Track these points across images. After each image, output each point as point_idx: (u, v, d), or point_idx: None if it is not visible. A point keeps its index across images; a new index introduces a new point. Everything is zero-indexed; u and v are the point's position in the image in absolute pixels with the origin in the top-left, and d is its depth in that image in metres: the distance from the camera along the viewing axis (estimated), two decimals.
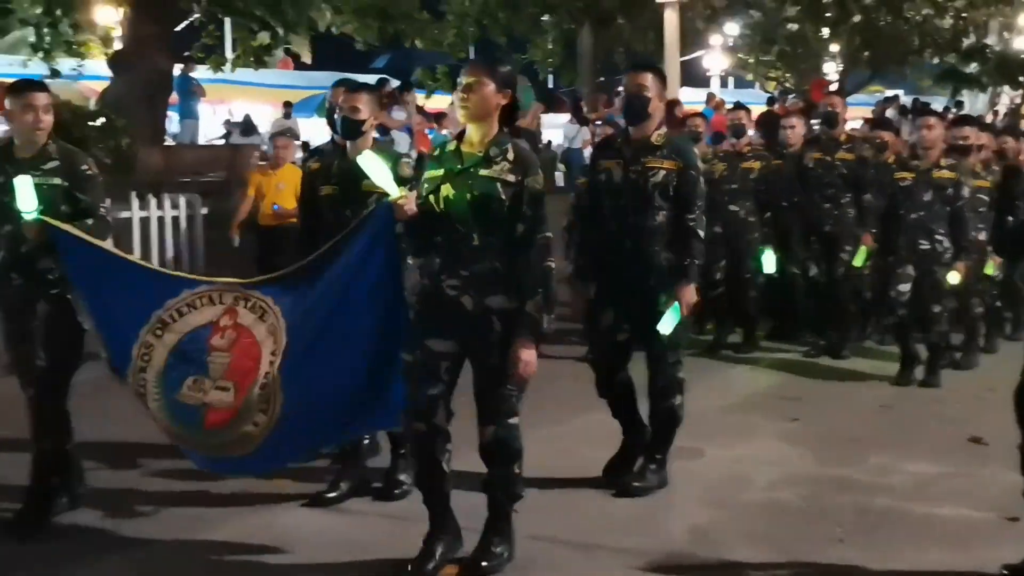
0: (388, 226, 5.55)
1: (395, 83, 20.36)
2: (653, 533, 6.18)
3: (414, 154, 18.57)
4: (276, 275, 6.10)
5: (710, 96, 26.61)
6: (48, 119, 6.26)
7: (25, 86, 6.33)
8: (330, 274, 5.66)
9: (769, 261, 11.08)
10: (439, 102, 26.87)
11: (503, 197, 5.35)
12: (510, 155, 5.42)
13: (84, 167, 6.32)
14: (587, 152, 18.15)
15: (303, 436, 5.75)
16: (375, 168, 5.54)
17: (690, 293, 6.70)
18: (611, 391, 7.07)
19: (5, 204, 6.05)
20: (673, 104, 21.62)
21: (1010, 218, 5.77)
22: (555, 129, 26.00)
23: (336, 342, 5.60)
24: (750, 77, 38.76)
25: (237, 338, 5.65)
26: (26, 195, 5.94)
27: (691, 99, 27.32)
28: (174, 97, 19.70)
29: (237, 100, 28.64)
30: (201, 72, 22.81)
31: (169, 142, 19.86)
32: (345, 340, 5.59)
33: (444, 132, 19.80)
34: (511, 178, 5.37)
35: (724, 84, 42.19)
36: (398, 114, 18.65)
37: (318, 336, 5.62)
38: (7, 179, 6.05)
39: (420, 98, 23.59)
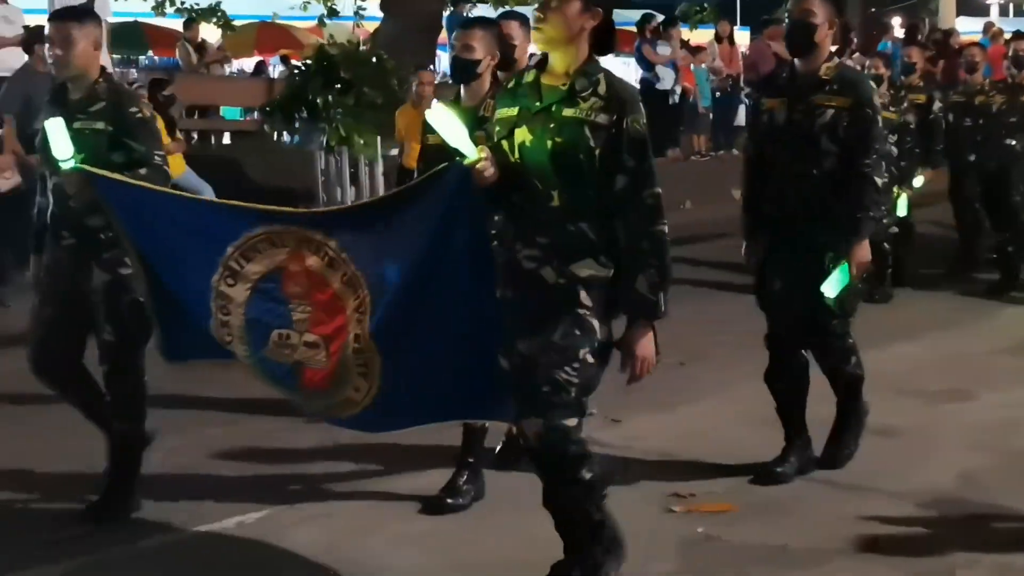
0: (467, 194, 4.47)
1: (660, 17, 20.19)
2: (922, 477, 6.07)
3: (678, 90, 18.51)
4: (333, 212, 5.55)
5: (988, 25, 25.55)
6: (80, 53, 5.54)
7: (54, 15, 5.75)
8: (407, 232, 4.73)
9: None
10: (703, 36, 26.58)
11: (592, 144, 4.32)
12: (602, 89, 4.37)
13: (133, 109, 5.62)
14: None
15: (409, 409, 5.01)
16: (446, 123, 4.42)
17: (862, 251, 5.87)
18: (784, 377, 6.16)
19: (48, 152, 5.39)
20: (948, 34, 21.02)
21: None
22: None
23: (428, 317, 4.70)
24: None
25: (312, 287, 4.95)
26: (60, 141, 5.27)
27: (968, 29, 26.35)
28: (444, 36, 20.01)
29: None
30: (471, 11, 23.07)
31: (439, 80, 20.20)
32: (437, 316, 4.69)
33: (703, 66, 19.58)
34: (603, 119, 4.33)
35: (1004, 13, 40.44)
36: (663, 49, 18.53)
37: (407, 303, 4.74)
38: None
39: (685, 32, 23.36)
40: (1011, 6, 41.56)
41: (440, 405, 4.91)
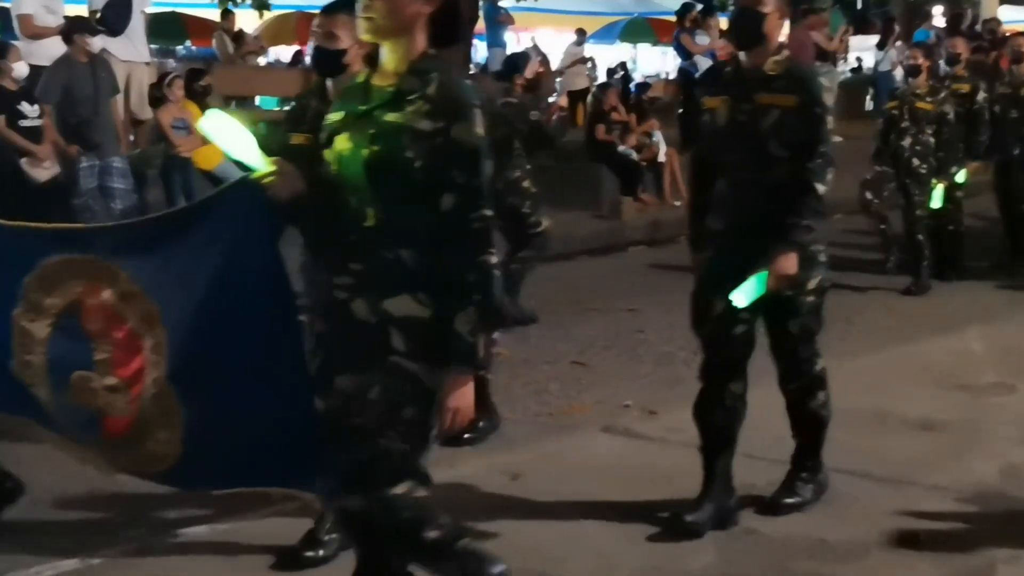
0: (260, 214, 3.81)
1: (699, 7, 20.08)
2: (965, 470, 6.01)
3: None
4: (115, 229, 4.83)
5: None
6: None
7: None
8: (195, 259, 4.07)
9: None
10: None
11: (411, 155, 3.60)
12: (431, 90, 3.63)
13: None
14: (898, 74, 17.54)
15: (219, 468, 4.29)
16: (224, 131, 3.77)
17: (787, 262, 5.04)
18: (716, 411, 5.41)
19: None
20: (991, 23, 20.81)
21: None
22: (865, 51, 25.27)
23: (223, 360, 4.04)
24: None
25: (109, 324, 4.30)
26: None
27: (1011, 18, 26.09)
28: (481, 26, 19.97)
29: (542, 28, 28.84)
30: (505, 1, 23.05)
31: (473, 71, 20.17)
32: (233, 359, 4.02)
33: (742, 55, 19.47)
34: (426, 125, 3.59)
35: None
36: (701, 39, 18.42)
37: (200, 343, 4.06)
38: None
39: (722, 22, 23.24)
40: None
41: (251, 466, 4.15)
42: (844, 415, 6.79)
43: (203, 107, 11.75)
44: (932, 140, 10.30)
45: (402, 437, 3.65)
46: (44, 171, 10.36)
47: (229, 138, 3.75)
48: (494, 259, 3.62)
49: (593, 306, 9.92)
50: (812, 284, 5.23)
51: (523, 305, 8.92)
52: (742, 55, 5.32)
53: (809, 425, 5.54)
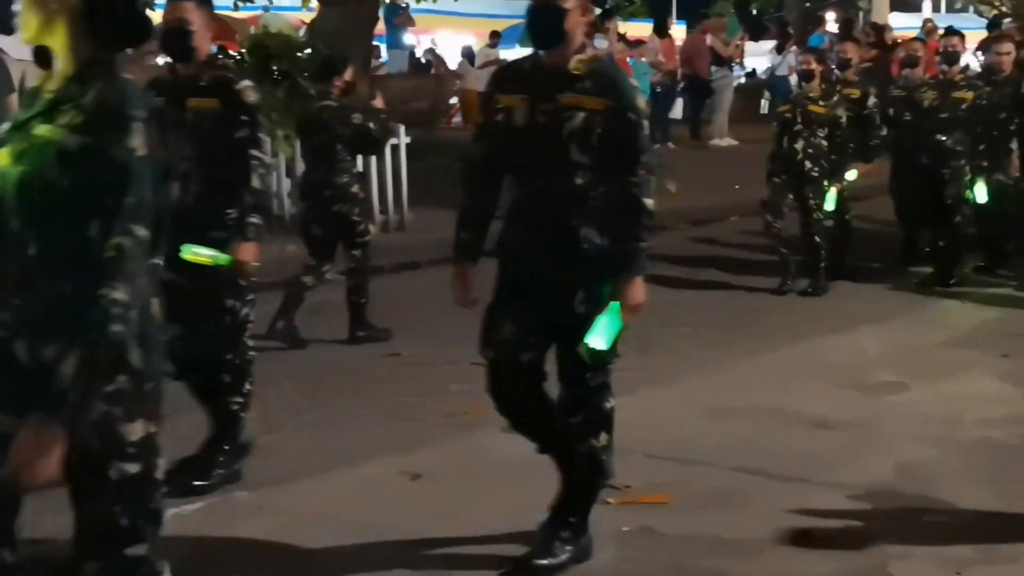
0: None
1: (597, 11, 20.23)
2: (859, 468, 6.09)
3: None
4: None
5: (925, 21, 25.79)
6: None
7: None
8: None
9: (980, 192, 10.68)
10: (638, 29, 26.67)
11: (57, 174, 3.06)
12: (88, 99, 3.09)
13: None
14: (793, 79, 17.78)
15: None
16: None
17: (636, 290, 4.70)
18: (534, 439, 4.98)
19: None
20: (881, 29, 21.17)
21: None
22: (760, 56, 25.59)
23: None
24: (959, 5, 37.46)
25: None
26: None
27: (901, 24, 26.58)
28: (381, 27, 19.94)
29: (443, 30, 28.85)
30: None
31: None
32: None
33: (643, 60, 19.63)
34: (74, 141, 3.06)
35: (936, 8, 40.84)
36: (600, 42, 18.52)
37: None
38: None
39: (619, 25, 23.44)
40: (943, 2, 41.97)
41: None
42: (742, 412, 6.93)
43: None
44: (825, 143, 10.47)
45: (129, 505, 3.17)
46: None
47: None
48: (118, 294, 2.97)
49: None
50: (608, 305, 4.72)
51: (373, 324, 8.82)
52: (541, 53, 4.83)
53: (585, 471, 4.90)
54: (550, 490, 5.33)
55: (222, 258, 5.61)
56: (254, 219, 5.77)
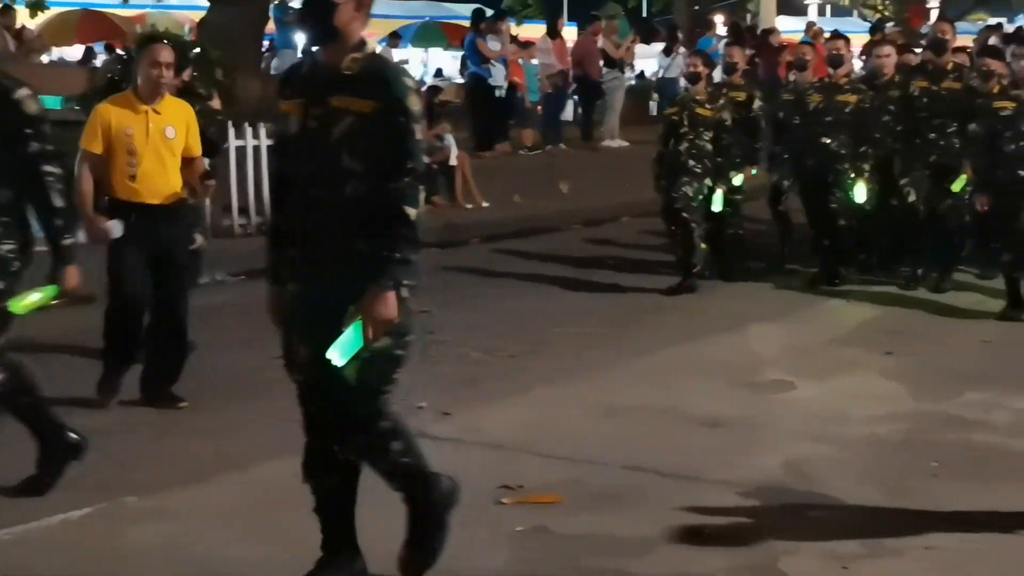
0: None
1: (490, 12, 20.28)
2: (749, 466, 6.17)
3: (505, 85, 18.57)
4: None
5: (809, 25, 26.20)
6: None
7: None
8: None
9: (860, 192, 10.85)
10: (531, 31, 26.76)
11: None
12: None
13: None
14: (682, 81, 17.97)
15: None
16: None
17: (384, 305, 4.25)
18: (328, 472, 4.63)
19: None
20: (768, 33, 21.48)
21: None
22: (649, 59, 25.79)
23: None
24: (846, 3, 38.11)
25: None
26: None
27: (788, 28, 26.99)
28: (271, 27, 19.78)
29: None
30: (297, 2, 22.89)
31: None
32: None
33: (533, 62, 19.69)
34: None
35: (822, 12, 41.51)
36: (493, 44, 18.58)
37: None
38: None
39: (513, 27, 23.51)
40: (828, 7, 42.66)
41: None
42: (634, 412, 6.99)
43: None
44: (709, 145, 10.62)
45: None
46: None
47: None
48: None
49: None
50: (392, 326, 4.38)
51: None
52: (317, 51, 4.58)
53: (403, 481, 4.63)
54: None
55: (48, 292, 5.38)
56: (68, 240, 5.51)
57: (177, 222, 7.14)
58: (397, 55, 23.96)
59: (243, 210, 12.87)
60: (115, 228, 6.87)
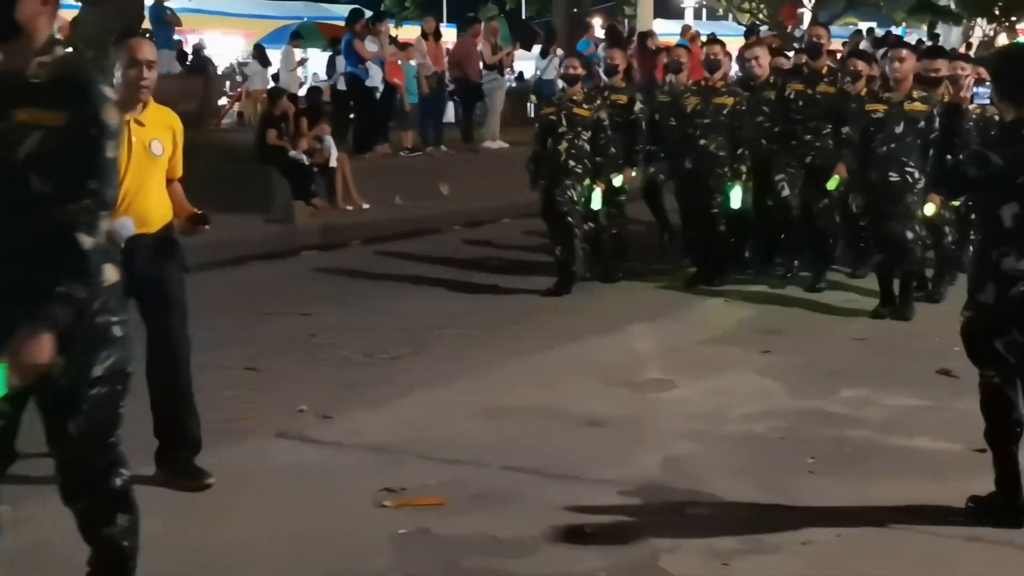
0: None
1: (369, 13, 20.18)
2: (629, 465, 6.22)
3: (382, 86, 18.51)
4: None
5: (685, 28, 26.50)
6: None
7: None
8: None
9: (736, 196, 11.01)
10: (410, 32, 26.74)
11: None
12: None
13: None
14: (559, 83, 18.08)
15: None
16: None
17: (33, 348, 3.61)
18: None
19: None
20: (646, 36, 21.67)
21: (949, 156, 5.78)
22: (529, 60, 25.92)
23: None
24: (720, 12, 38.64)
25: None
26: None
27: (665, 31, 27.30)
28: (147, 27, 19.49)
29: (210, 30, 28.44)
30: (172, 2, 22.61)
31: None
32: None
33: (412, 63, 19.67)
34: None
35: (698, 16, 42.07)
36: (371, 45, 18.50)
37: None
38: None
39: (392, 28, 23.45)
40: (704, 10, 43.23)
41: None
42: (515, 412, 7.02)
43: None
44: (587, 145, 10.70)
45: None
46: None
47: None
48: None
49: (266, 310, 9.83)
50: (100, 370, 3.87)
51: None
52: None
53: (108, 561, 4.14)
54: (327, 495, 5.34)
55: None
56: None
57: (167, 251, 5.92)
58: (300, 54, 23.77)
59: None
60: (125, 227, 5.52)
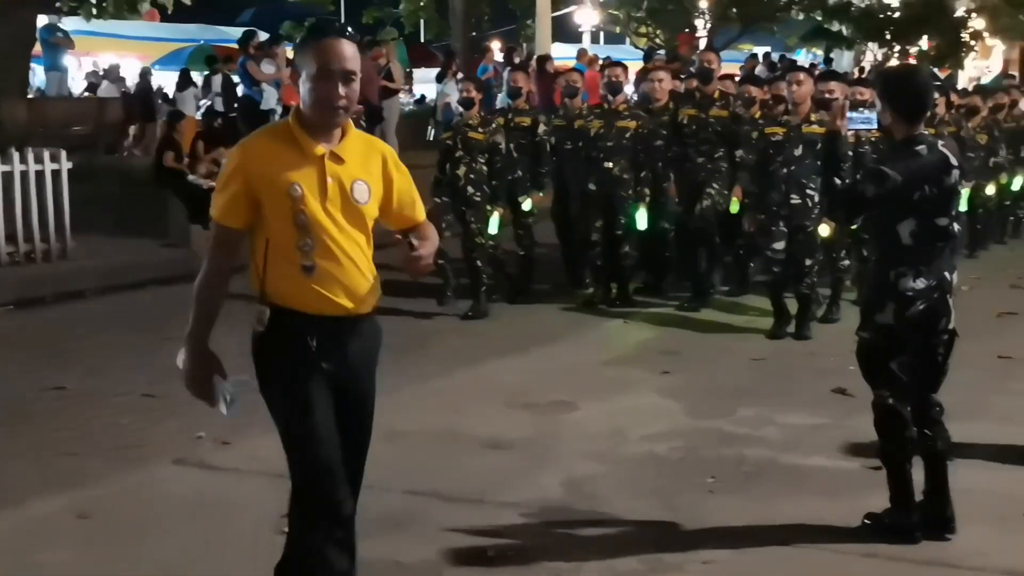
0: None
1: (264, 36, 20.07)
2: (531, 487, 6.23)
3: (279, 109, 18.42)
4: None
5: (582, 52, 26.67)
6: None
7: None
8: None
9: (641, 218, 11.13)
10: None
11: None
12: None
13: None
14: (455, 107, 18.12)
15: None
16: None
17: None
18: None
19: None
20: (544, 59, 21.79)
21: (837, 180, 5.89)
22: (428, 84, 25.93)
23: None
24: (619, 30, 38.96)
25: None
26: None
27: (562, 55, 27.45)
28: (37, 49, 19.23)
29: (104, 53, 28.09)
30: (65, 24, 22.31)
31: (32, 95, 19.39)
32: None
33: None
34: None
35: (595, 40, 42.35)
36: (267, 67, 18.40)
37: None
38: None
39: (288, 51, 23.33)
40: (601, 34, 43.54)
41: None
42: (416, 436, 7.00)
43: None
44: (485, 169, 10.73)
45: None
46: None
47: None
48: None
49: (165, 335, 9.68)
50: None
51: None
52: None
53: None
54: (224, 522, 5.27)
55: None
56: None
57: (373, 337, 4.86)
58: (160, 78, 23.45)
59: (11, 237, 12.46)
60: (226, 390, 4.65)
